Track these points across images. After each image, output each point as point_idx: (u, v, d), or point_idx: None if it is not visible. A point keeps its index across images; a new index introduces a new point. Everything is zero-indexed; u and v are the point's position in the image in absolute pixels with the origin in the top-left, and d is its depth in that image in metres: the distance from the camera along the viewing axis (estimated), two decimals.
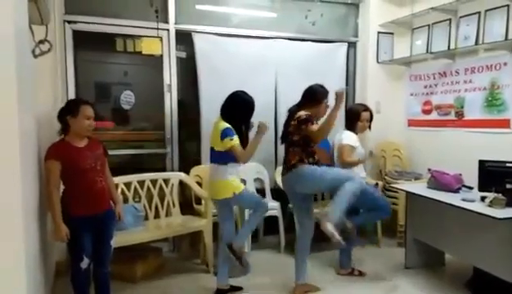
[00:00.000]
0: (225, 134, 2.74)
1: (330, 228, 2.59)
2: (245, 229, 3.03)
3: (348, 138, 3.24)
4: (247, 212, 3.60)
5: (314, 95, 2.92)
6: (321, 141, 2.83)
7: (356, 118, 3.28)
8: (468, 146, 3.70)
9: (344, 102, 4.31)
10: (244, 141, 2.83)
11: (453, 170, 3.24)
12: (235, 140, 2.74)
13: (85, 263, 2.43)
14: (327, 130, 2.70)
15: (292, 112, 2.93)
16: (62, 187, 2.45)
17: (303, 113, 2.81)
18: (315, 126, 2.74)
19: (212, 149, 2.90)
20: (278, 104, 4.14)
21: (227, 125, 2.76)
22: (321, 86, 2.95)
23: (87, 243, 2.43)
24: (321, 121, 2.79)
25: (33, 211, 2.15)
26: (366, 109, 3.36)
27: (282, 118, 3.88)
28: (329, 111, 2.76)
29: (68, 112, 2.39)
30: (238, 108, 2.86)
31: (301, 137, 2.80)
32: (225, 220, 2.99)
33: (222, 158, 2.80)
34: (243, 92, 2.90)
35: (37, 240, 2.21)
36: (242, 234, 2.99)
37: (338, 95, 2.68)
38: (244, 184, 3.72)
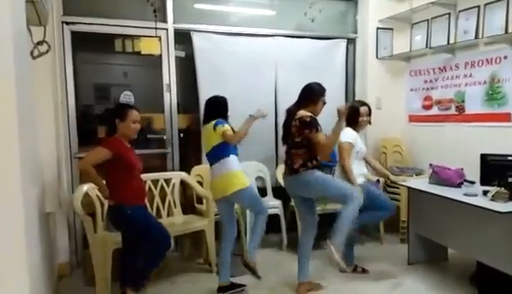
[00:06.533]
0: (217, 124, 2.85)
1: (336, 257, 2.69)
2: (255, 240, 2.96)
3: (347, 135, 3.19)
4: (248, 213, 3.61)
5: (312, 94, 2.90)
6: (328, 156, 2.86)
7: (356, 114, 3.27)
8: (469, 140, 3.69)
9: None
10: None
11: (455, 164, 3.22)
12: (227, 126, 2.86)
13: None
14: (334, 143, 2.81)
15: (291, 112, 2.91)
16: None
17: (305, 114, 2.78)
18: (322, 137, 2.71)
19: (207, 153, 2.94)
20: (278, 101, 4.13)
21: (218, 119, 2.89)
22: (318, 84, 2.94)
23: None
24: (328, 132, 2.76)
25: (36, 215, 2.14)
26: (363, 103, 3.37)
27: (282, 115, 3.86)
28: (334, 126, 2.74)
29: (116, 115, 2.60)
30: (218, 109, 2.97)
31: (304, 138, 2.77)
32: (227, 222, 2.98)
33: (222, 151, 2.85)
34: (214, 96, 3.04)
35: (39, 245, 2.20)
36: (253, 248, 2.95)
37: (340, 112, 2.73)
38: None
